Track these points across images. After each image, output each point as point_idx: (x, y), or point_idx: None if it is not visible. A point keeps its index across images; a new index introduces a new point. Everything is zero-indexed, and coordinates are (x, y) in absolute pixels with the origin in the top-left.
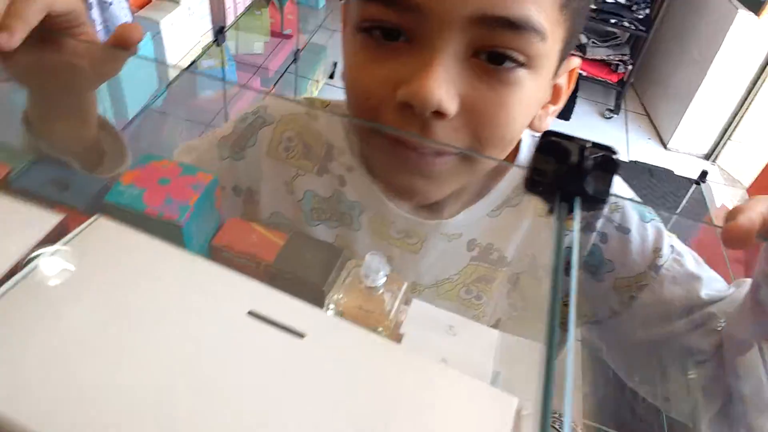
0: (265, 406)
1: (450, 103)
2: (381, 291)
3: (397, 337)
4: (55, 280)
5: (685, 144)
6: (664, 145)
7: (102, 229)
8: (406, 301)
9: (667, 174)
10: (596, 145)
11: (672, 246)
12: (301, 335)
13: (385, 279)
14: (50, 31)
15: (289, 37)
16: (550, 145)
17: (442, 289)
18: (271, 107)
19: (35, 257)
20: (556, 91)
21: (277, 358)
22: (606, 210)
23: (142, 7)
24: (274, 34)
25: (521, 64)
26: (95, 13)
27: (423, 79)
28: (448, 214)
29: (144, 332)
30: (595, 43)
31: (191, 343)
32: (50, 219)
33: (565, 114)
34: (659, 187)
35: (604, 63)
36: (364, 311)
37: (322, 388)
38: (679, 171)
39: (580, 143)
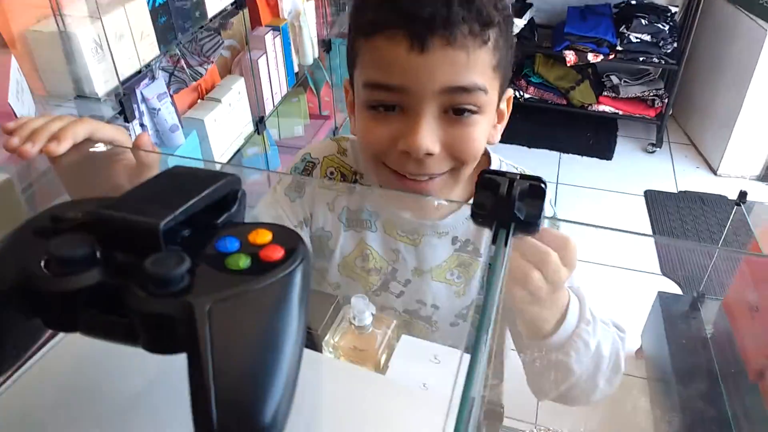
0: None
1: (434, 146)
2: (371, 330)
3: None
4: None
5: (736, 168)
6: (714, 172)
7: None
8: (396, 338)
9: (720, 200)
10: (525, 177)
11: None
12: None
13: (371, 318)
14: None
15: (327, 117)
16: (487, 181)
17: (435, 272)
18: (314, 152)
19: None
20: (500, 114)
21: None
22: None
23: (187, 109)
24: (312, 116)
25: (475, 112)
26: (146, 119)
27: (415, 134)
28: (439, 216)
29: None
30: (627, 82)
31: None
32: None
33: (605, 154)
34: (712, 214)
35: (639, 100)
36: (357, 350)
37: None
38: (732, 196)
39: (510, 176)
